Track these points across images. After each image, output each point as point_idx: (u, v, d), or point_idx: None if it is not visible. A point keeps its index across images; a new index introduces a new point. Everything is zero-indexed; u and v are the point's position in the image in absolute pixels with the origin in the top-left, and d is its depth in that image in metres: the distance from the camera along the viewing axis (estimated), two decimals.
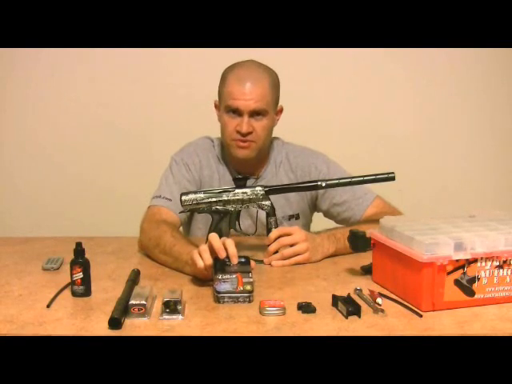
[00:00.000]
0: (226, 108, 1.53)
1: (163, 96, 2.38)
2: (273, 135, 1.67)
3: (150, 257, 1.46)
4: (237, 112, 1.52)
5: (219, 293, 1.12)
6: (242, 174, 1.59)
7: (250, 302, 1.12)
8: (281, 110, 1.63)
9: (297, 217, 1.67)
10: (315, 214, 1.75)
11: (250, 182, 1.56)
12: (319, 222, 1.75)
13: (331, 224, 1.68)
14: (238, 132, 1.52)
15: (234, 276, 1.15)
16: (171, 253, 1.36)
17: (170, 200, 1.54)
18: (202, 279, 1.25)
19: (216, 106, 1.62)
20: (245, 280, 1.15)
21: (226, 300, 1.11)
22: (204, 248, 1.20)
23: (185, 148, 1.68)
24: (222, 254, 1.17)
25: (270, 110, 1.55)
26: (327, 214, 1.69)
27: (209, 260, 1.18)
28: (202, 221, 1.64)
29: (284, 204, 1.62)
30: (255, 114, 1.52)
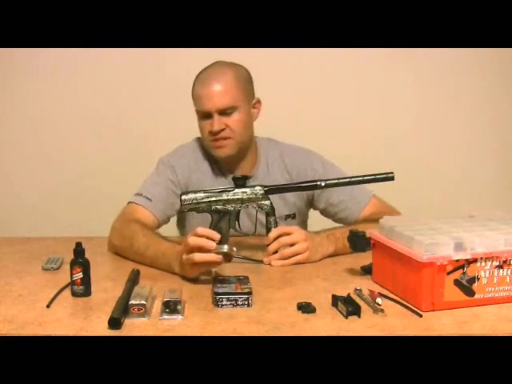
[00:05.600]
0: (198, 113, 1.56)
1: (164, 96, 2.37)
2: (268, 136, 1.68)
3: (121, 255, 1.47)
4: (207, 114, 1.53)
5: (218, 294, 1.12)
6: (234, 173, 1.60)
7: (248, 305, 1.12)
8: (258, 103, 1.61)
9: (293, 216, 1.67)
10: (314, 213, 1.75)
11: None
12: (317, 220, 1.74)
13: (329, 223, 1.67)
14: (210, 132, 1.53)
15: (232, 285, 1.16)
16: (146, 254, 1.37)
17: (150, 200, 1.55)
18: (192, 278, 1.26)
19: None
20: (243, 286, 1.16)
21: (224, 303, 1.11)
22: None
23: (174, 151, 1.68)
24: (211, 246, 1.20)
25: (241, 103, 1.54)
26: (324, 213, 1.70)
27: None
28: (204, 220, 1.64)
29: (281, 204, 1.62)
30: (224, 110, 1.52)
